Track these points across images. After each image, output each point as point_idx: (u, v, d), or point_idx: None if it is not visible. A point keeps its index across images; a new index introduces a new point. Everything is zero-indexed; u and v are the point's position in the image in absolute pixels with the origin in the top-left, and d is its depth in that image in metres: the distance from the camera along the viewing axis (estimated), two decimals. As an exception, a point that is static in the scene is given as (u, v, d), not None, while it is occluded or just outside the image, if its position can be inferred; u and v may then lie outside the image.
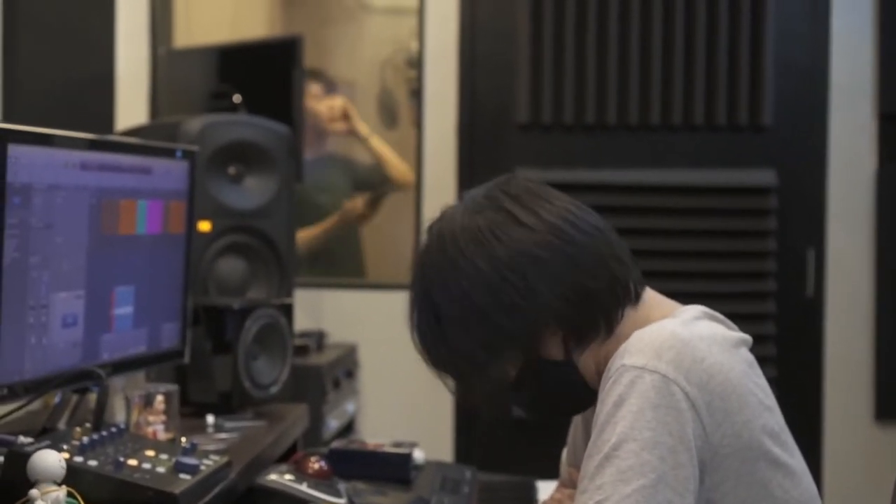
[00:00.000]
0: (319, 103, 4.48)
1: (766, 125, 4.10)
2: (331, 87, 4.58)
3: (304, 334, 3.69)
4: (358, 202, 4.50)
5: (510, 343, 1.70)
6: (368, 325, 4.19)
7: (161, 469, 1.79)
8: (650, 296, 1.78)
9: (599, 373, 1.71)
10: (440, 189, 4.05)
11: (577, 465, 1.87)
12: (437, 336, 1.74)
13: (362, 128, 4.53)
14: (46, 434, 1.90)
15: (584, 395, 1.77)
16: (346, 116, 4.49)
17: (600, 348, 1.71)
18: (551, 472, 2.21)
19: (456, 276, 1.69)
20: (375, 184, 4.59)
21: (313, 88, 4.46)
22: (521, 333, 1.69)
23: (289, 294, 3.18)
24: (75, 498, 1.65)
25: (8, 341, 1.91)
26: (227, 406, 2.59)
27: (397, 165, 4.43)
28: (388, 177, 4.54)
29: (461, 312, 1.70)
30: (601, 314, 1.70)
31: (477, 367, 1.73)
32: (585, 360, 1.73)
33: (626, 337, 1.65)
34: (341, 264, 4.75)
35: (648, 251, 3.87)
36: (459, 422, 4.18)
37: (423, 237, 1.80)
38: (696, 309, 1.74)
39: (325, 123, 4.52)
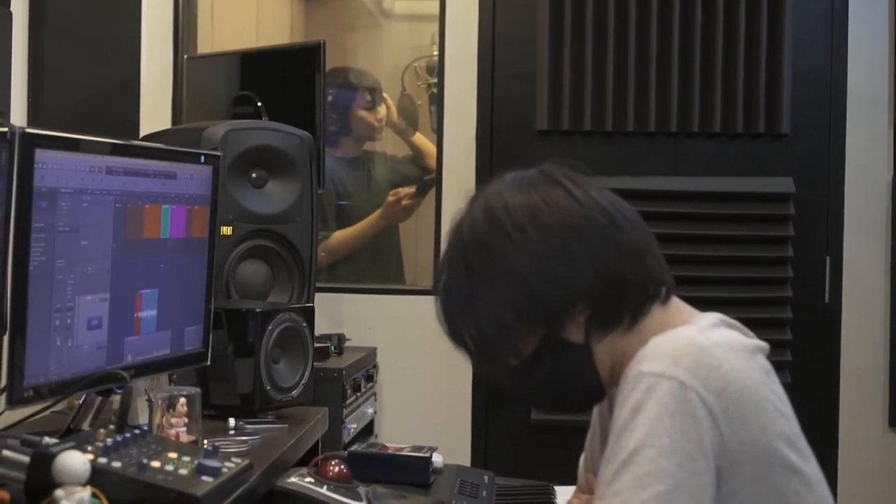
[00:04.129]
0: (368, 113, 4.64)
1: (784, 133, 4.10)
2: (377, 98, 4.67)
3: (325, 338, 3.71)
4: (401, 192, 4.53)
5: (538, 310, 1.70)
6: (388, 328, 4.20)
7: (183, 471, 1.80)
8: (674, 302, 1.80)
9: (613, 367, 1.73)
10: (460, 195, 4.05)
11: (594, 470, 1.88)
12: (465, 295, 1.73)
13: (399, 121, 4.65)
14: (71, 435, 1.93)
15: (593, 387, 1.78)
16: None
17: (619, 341, 1.73)
18: (569, 477, 2.22)
19: (499, 238, 1.70)
20: (414, 177, 4.64)
21: (362, 99, 4.67)
22: (551, 302, 1.69)
23: (310, 298, 3.20)
24: (99, 499, 1.66)
25: (34, 343, 1.94)
26: (249, 409, 2.60)
27: (434, 155, 4.48)
28: (426, 167, 4.61)
29: (496, 271, 1.70)
30: (629, 303, 1.72)
31: (499, 331, 1.72)
32: (602, 350, 1.74)
33: (646, 336, 1.67)
34: (381, 269, 4.79)
35: (666, 257, 3.87)
36: (477, 425, 4.19)
37: (462, 209, 1.80)
38: (713, 316, 1.75)
39: (371, 131, 4.69)
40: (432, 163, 4.47)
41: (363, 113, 4.64)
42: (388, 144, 4.84)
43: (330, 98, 4.54)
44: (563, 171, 1.79)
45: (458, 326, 1.76)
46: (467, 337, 1.76)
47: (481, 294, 1.71)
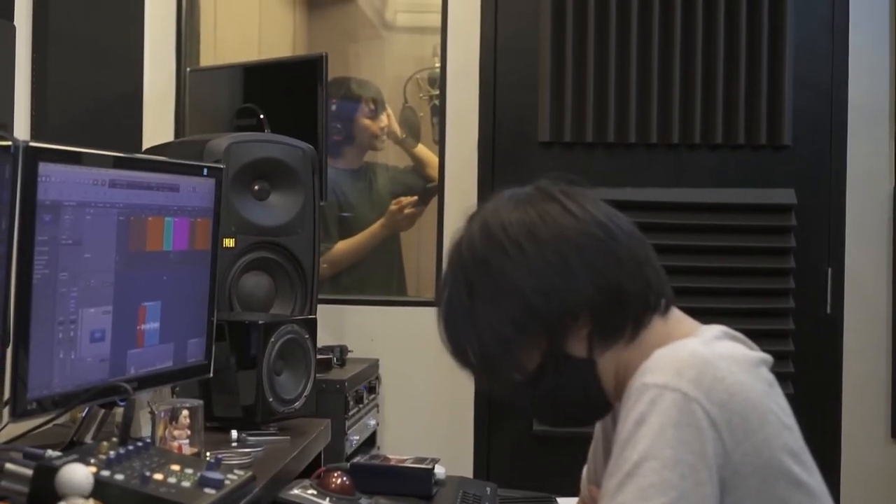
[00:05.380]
0: (371, 122, 4.66)
1: (786, 144, 4.10)
2: (379, 108, 4.68)
3: (327, 349, 3.71)
4: (403, 201, 4.53)
5: (539, 325, 1.70)
6: (390, 340, 4.20)
7: (186, 483, 1.81)
8: (674, 313, 1.80)
9: (617, 379, 1.73)
10: (462, 206, 4.05)
11: (597, 482, 1.88)
12: (466, 312, 1.74)
13: (402, 131, 4.67)
14: (74, 448, 1.93)
15: (598, 401, 1.78)
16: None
17: (622, 353, 1.73)
18: (571, 489, 2.22)
19: (497, 255, 1.71)
20: (416, 187, 4.65)
21: (366, 108, 4.67)
22: (552, 317, 1.69)
23: (312, 310, 3.20)
24: (102, 511, 1.67)
25: (37, 356, 1.94)
26: (251, 421, 2.60)
27: (436, 165, 4.47)
28: (427, 177, 4.62)
29: (496, 288, 1.71)
30: (630, 315, 1.72)
31: (501, 347, 1.72)
32: (605, 363, 1.74)
33: (649, 348, 1.67)
34: (382, 279, 4.79)
35: (667, 268, 3.86)
36: (480, 437, 4.19)
37: (461, 228, 1.81)
38: (717, 329, 1.75)
39: (374, 140, 4.70)
40: (434, 173, 4.48)
41: (366, 121, 4.65)
42: (390, 156, 4.84)
43: (333, 107, 4.55)
44: (559, 187, 1.79)
45: (460, 344, 1.77)
46: (470, 354, 1.76)
47: (482, 310, 1.72)
